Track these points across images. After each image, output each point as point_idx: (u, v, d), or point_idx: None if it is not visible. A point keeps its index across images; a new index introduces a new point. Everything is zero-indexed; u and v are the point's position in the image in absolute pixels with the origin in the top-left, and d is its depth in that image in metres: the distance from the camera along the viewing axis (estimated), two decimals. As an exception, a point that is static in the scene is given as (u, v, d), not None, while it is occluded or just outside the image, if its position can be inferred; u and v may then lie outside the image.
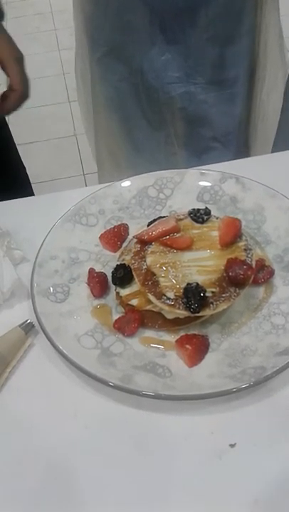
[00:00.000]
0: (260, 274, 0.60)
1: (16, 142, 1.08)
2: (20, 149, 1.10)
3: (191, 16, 0.90)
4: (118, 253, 0.65)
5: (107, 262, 0.65)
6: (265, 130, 1.14)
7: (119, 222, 0.69)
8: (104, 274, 0.62)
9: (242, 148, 1.16)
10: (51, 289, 0.59)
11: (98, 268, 0.64)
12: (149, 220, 0.65)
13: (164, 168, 0.73)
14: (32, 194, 1.12)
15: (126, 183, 0.72)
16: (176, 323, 0.56)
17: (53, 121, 2.47)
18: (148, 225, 0.63)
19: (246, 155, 1.16)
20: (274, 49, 1.04)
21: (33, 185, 1.17)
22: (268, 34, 1.01)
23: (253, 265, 0.56)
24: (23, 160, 1.11)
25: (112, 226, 0.68)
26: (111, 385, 0.50)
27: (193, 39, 0.94)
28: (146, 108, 1.06)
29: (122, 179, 0.72)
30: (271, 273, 0.60)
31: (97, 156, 1.26)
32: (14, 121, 1.03)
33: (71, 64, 1.18)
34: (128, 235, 0.68)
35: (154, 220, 0.63)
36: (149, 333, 0.57)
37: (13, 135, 1.07)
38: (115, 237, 0.66)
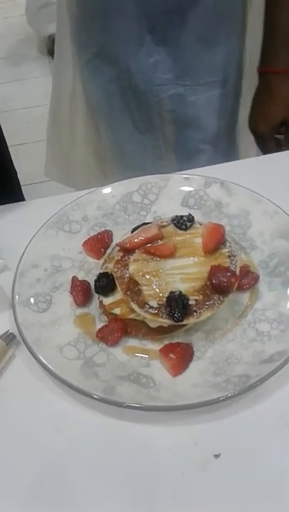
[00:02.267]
0: (245, 280, 0.59)
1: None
2: (10, 151, 1.09)
3: (180, 16, 0.90)
4: (102, 260, 0.64)
5: (90, 270, 0.64)
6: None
7: (103, 229, 0.68)
8: (88, 282, 0.61)
9: (232, 149, 1.15)
10: (32, 299, 0.58)
11: (81, 276, 0.63)
12: (134, 226, 0.64)
13: (151, 173, 0.73)
14: (22, 196, 1.11)
15: (109, 189, 0.71)
16: (160, 332, 0.56)
17: (44, 123, 2.47)
18: (132, 232, 0.63)
19: (236, 157, 1.15)
20: None
21: (24, 187, 1.16)
22: (260, 34, 1.01)
23: (237, 272, 0.56)
24: (14, 161, 1.10)
25: (96, 233, 0.67)
26: (93, 397, 0.49)
27: (182, 40, 0.93)
28: (133, 111, 1.05)
29: (109, 184, 0.71)
30: (256, 279, 0.60)
31: (85, 159, 1.25)
32: (4, 123, 1.02)
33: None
34: (112, 241, 0.67)
35: (138, 227, 0.63)
36: (132, 342, 0.57)
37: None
38: (99, 244, 0.65)
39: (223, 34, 0.94)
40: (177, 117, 1.03)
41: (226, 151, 1.13)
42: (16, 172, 1.10)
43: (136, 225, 0.64)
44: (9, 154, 1.07)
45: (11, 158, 1.07)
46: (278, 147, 0.96)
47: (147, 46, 0.94)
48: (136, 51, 0.95)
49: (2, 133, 1.03)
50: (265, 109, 0.93)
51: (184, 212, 0.63)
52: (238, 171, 0.76)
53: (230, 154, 1.14)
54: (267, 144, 0.96)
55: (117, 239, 0.66)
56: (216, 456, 0.48)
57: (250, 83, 1.06)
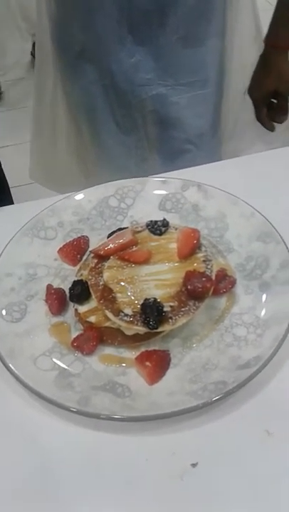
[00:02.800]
0: (222, 284, 0.59)
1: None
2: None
3: (160, 16, 0.89)
4: (78, 267, 0.63)
5: (66, 277, 0.63)
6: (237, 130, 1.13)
7: (79, 235, 0.67)
8: (63, 290, 0.60)
9: (216, 149, 1.15)
10: (4, 311, 0.57)
11: (57, 283, 0.62)
12: (110, 231, 0.63)
13: (135, 174, 0.72)
14: (11, 199, 1.11)
15: (85, 194, 0.70)
16: (136, 339, 0.55)
17: (27, 125, 2.44)
18: (108, 237, 0.62)
19: (220, 156, 1.15)
20: (251, 49, 1.03)
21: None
22: (242, 33, 1.00)
23: (213, 277, 0.55)
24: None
25: (72, 239, 0.66)
26: (68, 410, 0.48)
27: (163, 40, 0.92)
28: (116, 112, 1.04)
29: (92, 186, 0.70)
30: (233, 283, 0.59)
31: (68, 162, 1.24)
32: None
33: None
34: (88, 247, 0.66)
35: (114, 232, 0.62)
36: (109, 350, 0.56)
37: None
38: (74, 250, 0.64)
39: (204, 34, 0.94)
40: (160, 117, 1.03)
41: (210, 150, 1.13)
42: (4, 175, 1.09)
43: (112, 230, 0.63)
44: None
45: None
46: (272, 114, 1.01)
47: (128, 46, 0.93)
48: (117, 51, 0.94)
49: None
50: (260, 77, 0.98)
51: (161, 216, 0.63)
52: (216, 173, 0.75)
53: (214, 154, 1.14)
54: (259, 108, 1.02)
55: (93, 244, 0.65)
56: (193, 465, 0.47)
57: (232, 83, 1.06)
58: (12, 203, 1.11)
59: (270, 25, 0.94)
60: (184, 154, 1.09)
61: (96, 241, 0.65)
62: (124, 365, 0.54)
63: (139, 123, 1.05)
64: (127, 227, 0.63)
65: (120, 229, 0.63)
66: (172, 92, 0.99)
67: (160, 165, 1.10)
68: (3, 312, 0.57)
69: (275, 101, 1.01)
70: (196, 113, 1.03)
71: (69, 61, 1.01)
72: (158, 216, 0.63)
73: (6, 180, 1.11)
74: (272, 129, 1.02)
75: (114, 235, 0.59)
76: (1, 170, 1.08)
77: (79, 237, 0.66)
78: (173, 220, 0.65)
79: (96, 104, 1.04)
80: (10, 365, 0.51)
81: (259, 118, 1.03)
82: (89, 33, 0.93)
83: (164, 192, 0.70)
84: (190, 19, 0.90)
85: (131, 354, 0.55)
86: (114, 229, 0.64)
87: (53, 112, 1.15)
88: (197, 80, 0.99)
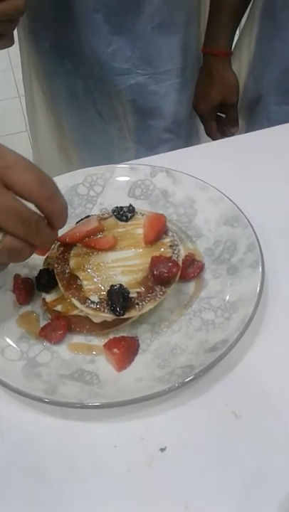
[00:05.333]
0: (191, 269, 0.58)
1: None
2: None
3: (136, 4, 0.88)
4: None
5: (35, 267, 0.62)
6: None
7: (48, 224, 0.66)
8: (31, 279, 0.59)
9: (194, 137, 1.14)
10: None
11: (25, 273, 0.61)
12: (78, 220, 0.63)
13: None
14: None
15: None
16: (104, 327, 0.55)
17: (4, 117, 2.40)
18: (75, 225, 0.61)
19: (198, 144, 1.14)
20: None
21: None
22: None
23: (180, 262, 0.55)
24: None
25: (40, 228, 0.65)
26: (37, 400, 0.48)
27: (139, 28, 0.91)
28: (97, 101, 1.03)
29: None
30: (201, 267, 0.59)
31: (49, 152, 1.22)
32: None
33: (19, 57, 1.13)
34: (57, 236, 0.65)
35: (81, 220, 0.61)
36: (77, 338, 0.55)
37: None
38: (42, 239, 0.63)
39: (180, 21, 0.93)
40: (139, 107, 1.02)
41: (188, 138, 1.12)
42: None
43: (80, 218, 0.63)
44: None
45: None
46: (221, 126, 0.97)
47: (104, 36, 0.92)
48: (93, 42, 0.92)
49: None
50: (204, 89, 0.96)
51: (131, 202, 0.62)
52: (185, 159, 0.75)
53: (193, 142, 1.13)
54: (208, 123, 0.99)
55: (62, 233, 0.64)
56: (162, 449, 0.47)
57: None
58: None
59: (206, 33, 0.92)
60: (164, 143, 1.09)
61: (65, 229, 0.64)
62: (93, 353, 0.54)
63: (120, 112, 1.04)
64: (94, 215, 0.62)
65: (88, 216, 0.62)
66: (150, 80, 0.98)
67: (141, 155, 1.09)
68: None
69: (222, 115, 0.98)
70: (174, 101, 1.03)
71: (44, 52, 1.00)
72: (127, 203, 0.62)
73: None
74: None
75: (80, 223, 0.59)
76: None
77: (47, 226, 0.65)
78: (142, 206, 0.65)
79: (77, 94, 1.03)
80: (-25, 356, 0.51)
81: (209, 133, 1.00)
82: (64, 23, 0.92)
83: (132, 178, 0.69)
84: (166, 6, 0.89)
85: (100, 342, 0.55)
86: (84, 217, 0.63)
87: (31, 106, 1.13)
88: (175, 68, 0.98)
